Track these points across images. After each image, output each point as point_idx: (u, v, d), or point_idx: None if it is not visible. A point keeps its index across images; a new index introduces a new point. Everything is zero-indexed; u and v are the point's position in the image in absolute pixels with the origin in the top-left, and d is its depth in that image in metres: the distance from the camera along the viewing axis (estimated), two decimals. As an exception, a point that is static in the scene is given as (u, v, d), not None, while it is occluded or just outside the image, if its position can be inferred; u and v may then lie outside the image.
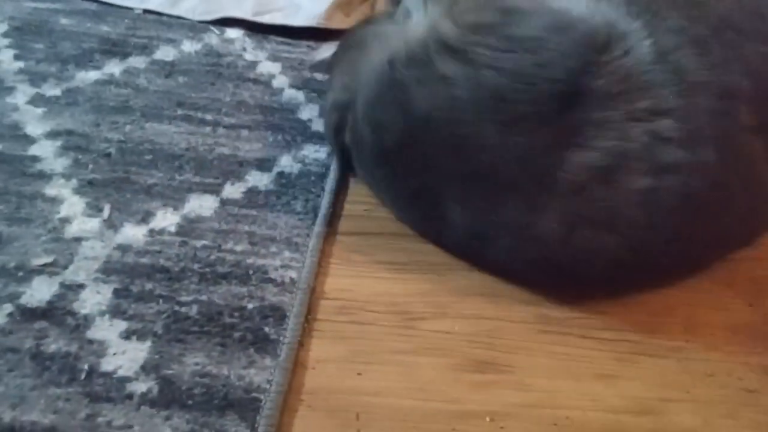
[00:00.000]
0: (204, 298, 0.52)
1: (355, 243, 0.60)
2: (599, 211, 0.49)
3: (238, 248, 0.57)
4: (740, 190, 0.51)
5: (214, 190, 0.63)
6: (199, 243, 0.57)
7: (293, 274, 0.55)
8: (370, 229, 0.61)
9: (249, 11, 0.89)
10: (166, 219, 0.59)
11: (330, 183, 0.64)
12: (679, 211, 0.49)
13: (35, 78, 0.75)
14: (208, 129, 0.70)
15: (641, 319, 0.55)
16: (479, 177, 0.51)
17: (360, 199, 0.64)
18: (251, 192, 0.63)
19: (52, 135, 0.67)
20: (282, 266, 0.55)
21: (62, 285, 0.52)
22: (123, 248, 0.56)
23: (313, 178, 0.65)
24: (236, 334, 0.49)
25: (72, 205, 0.59)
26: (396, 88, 0.53)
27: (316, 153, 0.68)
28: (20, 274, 0.52)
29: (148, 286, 0.52)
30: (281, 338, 0.49)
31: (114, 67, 0.78)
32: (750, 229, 0.57)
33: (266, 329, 0.50)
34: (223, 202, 0.62)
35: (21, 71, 0.76)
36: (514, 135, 0.49)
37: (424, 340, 0.52)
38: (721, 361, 0.52)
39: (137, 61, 0.79)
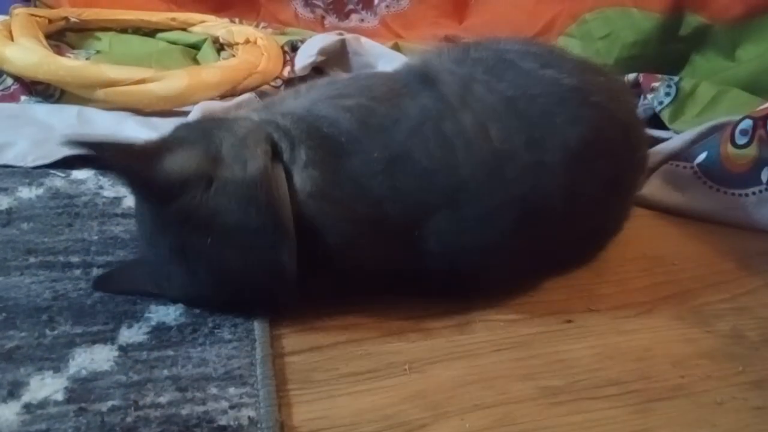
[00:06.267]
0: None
1: (308, 361, 0.49)
2: None
3: (163, 399, 0.42)
4: None
5: (107, 337, 0.48)
6: (104, 406, 0.41)
7: (250, 412, 0.42)
8: (321, 342, 0.51)
9: (98, 149, 0.78)
10: (46, 386, 0.42)
11: (256, 301, 0.53)
12: None
13: None
14: (77, 272, 0.55)
15: (631, 367, 0.52)
16: None
17: (297, 313, 0.54)
18: (158, 330, 0.49)
19: None
20: (232, 406, 0.42)
21: None
22: (-15, 440, 0.38)
23: (232, 301, 0.54)
24: None
25: None
26: None
27: (225, 275, 0.57)
28: None
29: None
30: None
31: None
32: None
33: (238, 494, 0.35)
34: (124, 349, 0.47)
35: None
36: None
37: (438, 450, 0.42)
38: (719, 388, 0.50)
39: (-40, 217, 0.62)
